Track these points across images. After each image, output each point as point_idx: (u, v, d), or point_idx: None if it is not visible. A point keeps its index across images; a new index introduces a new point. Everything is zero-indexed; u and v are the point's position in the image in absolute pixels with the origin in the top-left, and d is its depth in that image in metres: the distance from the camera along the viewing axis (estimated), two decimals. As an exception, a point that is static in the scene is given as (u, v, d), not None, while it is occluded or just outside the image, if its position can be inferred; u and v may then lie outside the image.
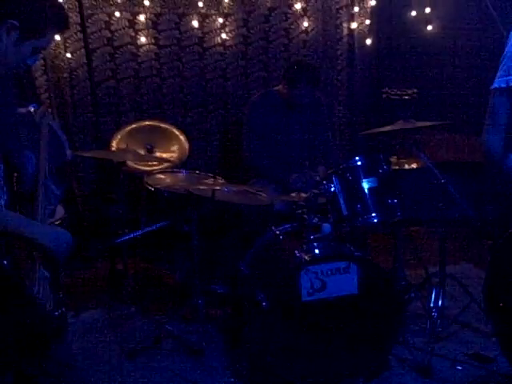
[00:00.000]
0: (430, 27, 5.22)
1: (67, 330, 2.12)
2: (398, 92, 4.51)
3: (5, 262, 1.83)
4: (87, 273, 4.39)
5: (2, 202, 1.92)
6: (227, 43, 4.96)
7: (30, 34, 1.87)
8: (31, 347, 1.97)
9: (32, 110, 2.20)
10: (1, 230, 1.82)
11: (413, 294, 3.69)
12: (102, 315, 3.81)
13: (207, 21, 4.87)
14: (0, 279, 1.84)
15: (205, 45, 4.92)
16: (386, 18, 5.30)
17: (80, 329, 3.63)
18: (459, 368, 3.19)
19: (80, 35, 4.55)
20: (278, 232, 3.40)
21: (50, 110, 4.42)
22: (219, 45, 4.95)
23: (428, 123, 3.89)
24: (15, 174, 1.98)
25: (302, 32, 5.12)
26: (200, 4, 4.80)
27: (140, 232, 3.57)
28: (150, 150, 4.43)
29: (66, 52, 4.62)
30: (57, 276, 2.01)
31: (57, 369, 2.08)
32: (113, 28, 4.69)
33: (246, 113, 4.31)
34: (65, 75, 4.65)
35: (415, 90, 4.68)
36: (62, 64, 4.63)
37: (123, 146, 4.17)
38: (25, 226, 1.87)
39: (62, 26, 2.03)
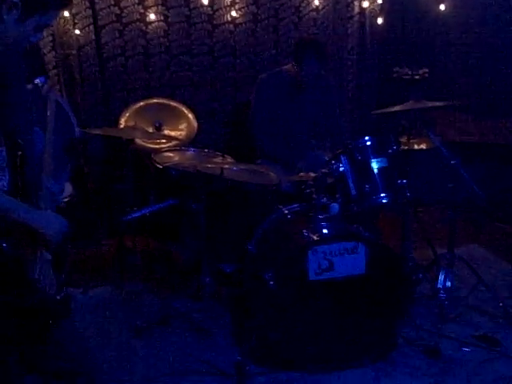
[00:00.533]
0: (442, 6, 5.14)
1: (70, 311, 2.11)
2: (409, 72, 4.47)
3: (4, 245, 1.83)
4: (95, 250, 4.40)
5: (5, 184, 1.91)
6: (237, 21, 4.91)
7: (32, 11, 1.85)
8: (32, 331, 1.98)
9: (39, 83, 2.18)
10: None
11: (421, 276, 3.68)
12: (110, 292, 3.82)
13: (217, -2, 4.82)
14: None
15: (214, 22, 4.86)
16: (398, -3, 5.24)
17: (88, 306, 3.65)
18: (466, 350, 3.19)
19: (89, 11, 4.51)
20: (286, 211, 3.38)
21: (58, 86, 4.43)
22: (229, 22, 4.89)
23: (439, 103, 3.86)
24: (19, 153, 1.96)
25: (313, 10, 5.06)
26: (210, -19, 4.75)
27: (148, 210, 3.56)
28: (159, 128, 4.42)
29: (74, 28, 4.57)
30: (59, 258, 2.01)
31: (60, 349, 2.08)
32: (122, 5, 4.63)
33: (254, 91, 4.28)
34: (73, 52, 4.62)
35: (426, 70, 4.64)
36: (71, 40, 4.59)
37: (131, 123, 4.16)
38: (18, 211, 1.86)
39: (65, 2, 2.01)
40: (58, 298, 2.00)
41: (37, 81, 2.18)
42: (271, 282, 2.92)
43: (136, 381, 2.95)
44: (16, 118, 2.00)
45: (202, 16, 4.83)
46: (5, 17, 1.81)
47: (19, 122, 2.01)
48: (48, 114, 2.14)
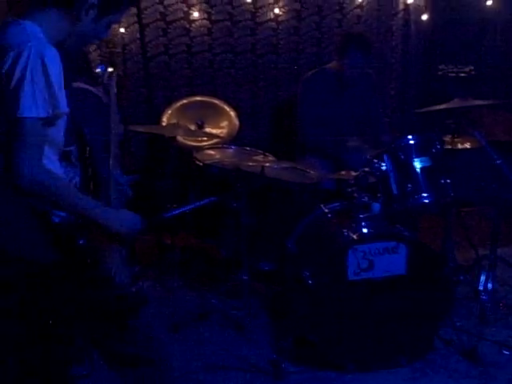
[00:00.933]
0: (488, 1, 5.04)
1: (146, 301, 2.15)
2: (455, 69, 4.39)
3: (81, 242, 1.86)
4: (135, 246, 4.45)
5: (77, 179, 1.95)
6: (280, 18, 4.90)
7: (107, 10, 1.90)
8: (109, 326, 2.03)
9: (100, 71, 2.23)
10: (72, 212, 1.86)
11: (462, 277, 3.62)
12: (149, 288, 3.87)
13: (260, -5, 4.82)
14: (77, 259, 1.88)
15: (257, 20, 4.86)
16: (443, -8, 5.15)
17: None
18: (506, 353, 3.14)
19: (133, 10, 4.55)
20: (326, 210, 3.37)
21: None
22: (271, 20, 4.89)
23: (485, 102, 3.79)
24: (87, 148, 2.00)
25: (357, 7, 5.01)
26: (253, -21, 4.76)
27: (188, 207, 3.59)
28: (201, 126, 4.44)
29: (119, 27, 4.64)
30: (130, 251, 2.05)
31: (128, 335, 2.12)
32: (166, 3, 4.67)
33: (300, 91, 4.27)
34: (118, 50, 4.69)
35: (472, 68, 4.55)
36: (116, 39, 4.65)
37: (174, 121, 4.20)
38: (93, 210, 1.88)
39: (134, 0, 2.07)
40: (133, 290, 2.04)
41: (97, 69, 2.23)
42: (310, 281, 2.92)
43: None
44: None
45: (245, 14, 4.84)
46: (83, 17, 1.87)
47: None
48: (110, 100, 2.18)
